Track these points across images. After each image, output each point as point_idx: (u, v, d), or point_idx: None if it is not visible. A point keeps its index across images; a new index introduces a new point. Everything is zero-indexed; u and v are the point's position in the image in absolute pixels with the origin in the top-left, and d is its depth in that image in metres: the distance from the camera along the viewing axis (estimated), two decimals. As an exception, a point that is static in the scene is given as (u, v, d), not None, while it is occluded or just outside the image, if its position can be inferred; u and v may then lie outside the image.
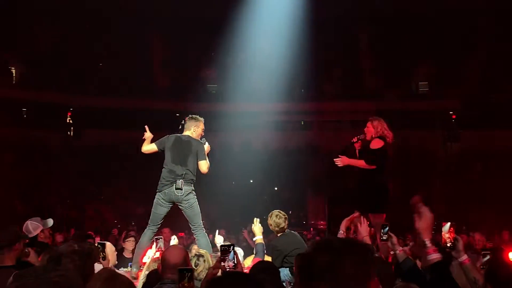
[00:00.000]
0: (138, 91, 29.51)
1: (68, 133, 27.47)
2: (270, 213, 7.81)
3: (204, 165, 7.71)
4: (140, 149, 8.10)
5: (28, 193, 24.10)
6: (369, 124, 7.98)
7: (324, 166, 24.99)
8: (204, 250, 5.58)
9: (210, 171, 7.76)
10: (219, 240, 8.07)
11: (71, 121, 27.42)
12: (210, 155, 8.01)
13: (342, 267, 2.08)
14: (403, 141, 26.52)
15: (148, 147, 8.03)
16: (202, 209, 7.69)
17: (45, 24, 28.92)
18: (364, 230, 5.45)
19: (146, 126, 8.08)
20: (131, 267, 7.67)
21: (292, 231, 7.94)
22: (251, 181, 26.91)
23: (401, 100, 30.51)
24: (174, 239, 7.82)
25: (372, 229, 7.02)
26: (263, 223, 7.56)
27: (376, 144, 7.79)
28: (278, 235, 7.71)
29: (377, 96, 30.31)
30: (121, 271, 6.60)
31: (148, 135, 8.10)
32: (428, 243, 3.60)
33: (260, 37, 26.79)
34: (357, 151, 8.25)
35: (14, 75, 30.73)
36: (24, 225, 6.70)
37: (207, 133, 8.23)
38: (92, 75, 30.41)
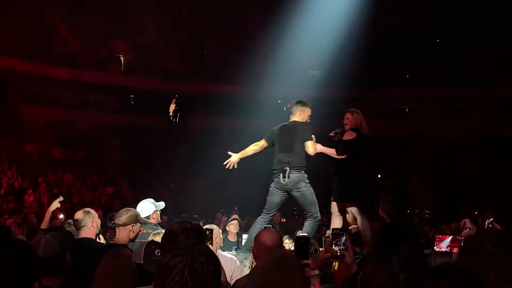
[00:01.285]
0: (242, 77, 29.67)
1: (173, 119, 28.18)
2: None
3: (310, 146, 7.36)
4: (245, 150, 7.88)
5: (135, 177, 25.00)
6: (348, 115, 7.83)
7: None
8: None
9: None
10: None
11: (176, 108, 28.08)
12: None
13: None
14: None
15: (255, 147, 7.87)
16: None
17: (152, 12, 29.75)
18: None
19: (229, 153, 7.89)
20: (235, 250, 7.70)
21: None
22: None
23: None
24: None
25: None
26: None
27: (348, 136, 7.70)
28: None
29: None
30: (226, 254, 6.64)
31: (234, 159, 7.86)
32: None
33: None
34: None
35: (122, 62, 31.89)
36: (138, 205, 6.88)
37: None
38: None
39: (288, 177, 7.32)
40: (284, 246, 4.48)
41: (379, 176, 27.46)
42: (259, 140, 7.90)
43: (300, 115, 7.68)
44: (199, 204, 22.75)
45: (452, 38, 29.50)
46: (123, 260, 3.67)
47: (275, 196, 7.52)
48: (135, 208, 6.16)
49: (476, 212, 17.20)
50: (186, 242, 3.07)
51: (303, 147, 7.43)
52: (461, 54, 29.30)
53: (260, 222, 7.51)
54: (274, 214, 7.84)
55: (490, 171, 25.18)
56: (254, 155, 7.89)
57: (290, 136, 7.55)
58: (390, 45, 28.59)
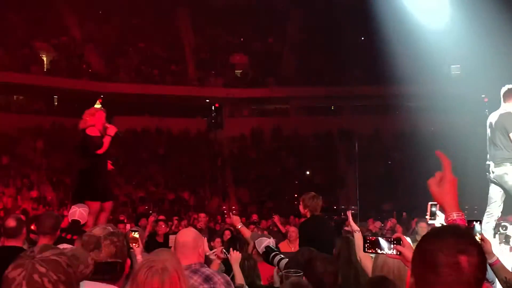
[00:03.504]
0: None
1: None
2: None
3: None
4: None
5: (58, 179, 24.41)
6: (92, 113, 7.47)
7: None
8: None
9: None
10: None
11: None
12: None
13: None
14: None
15: None
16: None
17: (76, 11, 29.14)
18: None
19: None
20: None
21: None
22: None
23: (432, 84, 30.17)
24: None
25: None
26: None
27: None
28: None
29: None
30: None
31: None
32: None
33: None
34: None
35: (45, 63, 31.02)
36: (73, 211, 6.46)
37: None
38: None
39: (492, 172, 6.98)
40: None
41: (307, 173, 27.89)
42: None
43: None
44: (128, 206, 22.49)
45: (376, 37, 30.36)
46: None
47: (493, 191, 7.08)
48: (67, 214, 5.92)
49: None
50: (109, 247, 3.03)
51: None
52: (385, 53, 30.11)
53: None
54: None
55: (412, 166, 25.90)
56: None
57: (495, 129, 7.05)
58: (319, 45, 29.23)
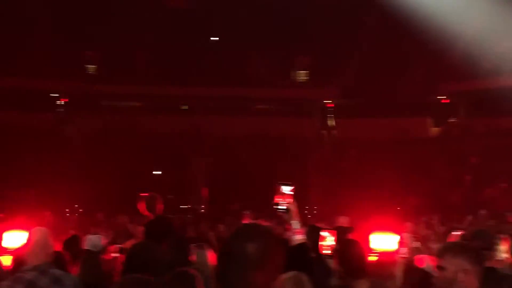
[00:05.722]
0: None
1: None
2: None
3: None
4: None
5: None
6: None
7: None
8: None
9: None
10: None
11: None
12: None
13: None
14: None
15: None
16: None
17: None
18: None
19: None
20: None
21: None
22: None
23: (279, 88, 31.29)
24: None
25: None
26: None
27: None
28: None
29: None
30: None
31: None
32: (297, 224, 3.79)
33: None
34: None
35: None
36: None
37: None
38: None
39: None
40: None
41: (159, 172, 27.61)
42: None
43: None
44: None
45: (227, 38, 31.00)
46: None
47: None
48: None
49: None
50: None
51: None
52: (236, 54, 30.82)
53: None
54: None
55: (261, 168, 26.58)
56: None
57: None
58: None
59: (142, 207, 6.77)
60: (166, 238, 5.88)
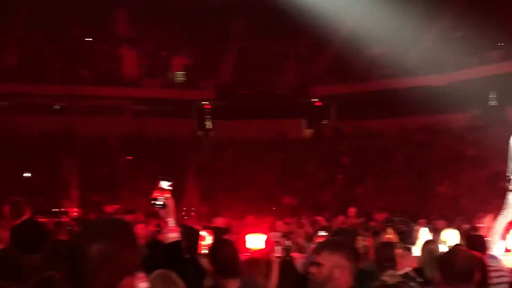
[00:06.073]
0: None
1: None
2: None
3: None
4: None
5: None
6: None
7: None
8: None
9: None
10: None
11: None
12: None
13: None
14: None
15: None
16: None
17: None
18: None
19: None
20: None
21: None
22: None
23: (158, 88, 31.08)
24: None
25: None
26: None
27: None
28: None
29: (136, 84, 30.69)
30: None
31: None
32: (172, 222, 3.74)
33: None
34: None
35: None
36: None
37: None
38: None
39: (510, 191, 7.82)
40: None
41: (29, 175, 26.49)
42: None
43: None
44: None
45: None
46: None
47: None
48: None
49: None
50: None
51: None
52: (111, 54, 30.30)
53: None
54: None
55: (138, 169, 26.23)
56: None
57: None
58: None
59: (7, 211, 6.46)
60: (35, 242, 5.64)
